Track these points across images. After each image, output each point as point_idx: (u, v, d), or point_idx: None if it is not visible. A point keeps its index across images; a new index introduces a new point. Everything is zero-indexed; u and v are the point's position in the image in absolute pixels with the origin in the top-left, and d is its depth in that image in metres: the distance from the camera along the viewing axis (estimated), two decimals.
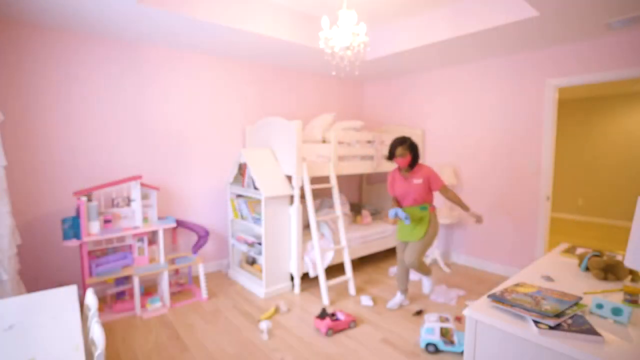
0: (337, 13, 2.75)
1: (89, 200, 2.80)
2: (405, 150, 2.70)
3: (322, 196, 4.42)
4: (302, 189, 3.39)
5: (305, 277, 3.52)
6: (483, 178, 3.97)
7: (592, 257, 1.73)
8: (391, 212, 2.71)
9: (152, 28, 2.91)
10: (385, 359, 2.29)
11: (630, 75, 2.95)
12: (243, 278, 3.55)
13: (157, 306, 2.93)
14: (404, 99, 4.75)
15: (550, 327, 1.13)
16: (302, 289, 3.38)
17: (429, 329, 2.37)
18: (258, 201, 3.34)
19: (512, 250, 3.76)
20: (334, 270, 3.74)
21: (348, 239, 3.63)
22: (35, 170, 2.88)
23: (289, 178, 3.37)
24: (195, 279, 3.61)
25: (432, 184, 2.75)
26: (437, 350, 2.33)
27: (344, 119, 4.93)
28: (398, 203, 2.88)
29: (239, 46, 3.43)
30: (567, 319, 1.18)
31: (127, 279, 3.08)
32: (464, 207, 2.78)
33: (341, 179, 4.89)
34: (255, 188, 3.24)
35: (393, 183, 2.88)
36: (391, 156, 2.74)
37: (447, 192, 2.78)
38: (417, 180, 2.72)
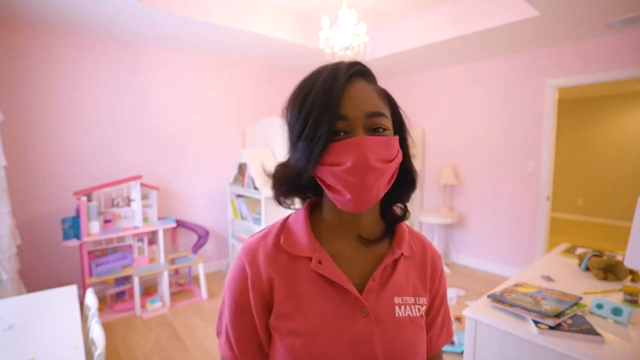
0: (337, 13, 2.75)
1: (89, 200, 2.80)
2: (386, 120, 0.54)
3: None
4: None
5: None
6: (483, 178, 3.96)
7: (592, 257, 1.73)
8: None
9: (153, 28, 2.90)
10: None
11: (630, 75, 2.95)
12: None
13: (157, 306, 2.93)
14: (404, 99, 4.74)
15: (550, 327, 1.13)
16: None
17: None
18: (258, 201, 3.34)
19: (512, 250, 3.76)
20: None
21: None
22: (35, 170, 2.87)
23: None
24: (195, 279, 3.61)
25: (443, 318, 0.66)
26: None
27: None
28: None
29: (240, 46, 3.43)
30: (567, 319, 1.18)
31: (127, 279, 3.08)
32: None
33: None
34: (255, 188, 3.24)
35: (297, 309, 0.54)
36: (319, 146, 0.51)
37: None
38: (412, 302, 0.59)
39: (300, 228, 0.57)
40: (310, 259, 0.55)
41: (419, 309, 0.59)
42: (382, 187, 0.52)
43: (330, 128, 0.50)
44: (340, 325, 0.52)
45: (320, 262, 0.54)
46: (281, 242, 0.56)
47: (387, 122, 0.54)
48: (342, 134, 0.51)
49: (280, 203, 0.61)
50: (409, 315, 0.57)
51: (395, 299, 0.56)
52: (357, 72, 0.54)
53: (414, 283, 0.60)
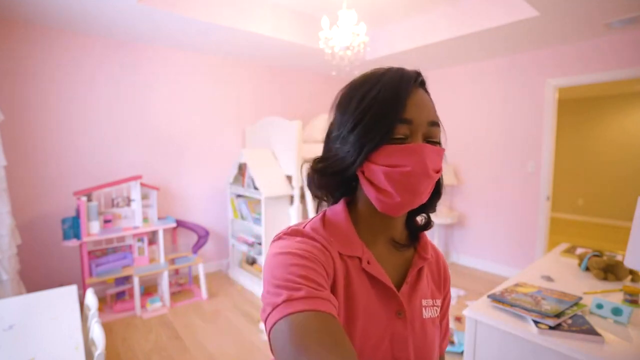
0: (337, 13, 2.75)
1: (89, 200, 2.80)
2: (437, 130, 0.55)
3: None
4: (302, 189, 3.39)
5: None
6: (483, 178, 3.96)
7: (592, 257, 1.73)
8: None
9: (153, 28, 2.90)
10: None
11: (630, 75, 2.95)
12: (243, 278, 3.55)
13: (157, 306, 2.93)
14: None
15: (550, 327, 1.13)
16: None
17: None
18: (258, 201, 3.34)
19: (512, 250, 3.75)
20: None
21: None
22: (35, 170, 2.87)
23: (289, 178, 3.37)
24: (195, 279, 3.61)
25: (446, 323, 0.69)
26: None
27: None
28: None
29: (240, 46, 3.43)
30: (567, 319, 1.18)
31: (127, 279, 3.08)
32: None
33: None
34: (255, 188, 3.24)
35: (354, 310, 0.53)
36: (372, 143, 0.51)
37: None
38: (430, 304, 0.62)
39: (345, 228, 0.56)
40: (359, 259, 0.55)
41: (436, 310, 0.62)
42: (426, 195, 0.53)
43: (391, 125, 0.50)
44: (384, 325, 0.54)
45: (368, 263, 0.55)
46: (331, 240, 0.54)
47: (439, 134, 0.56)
48: (402, 137, 0.51)
49: (318, 197, 0.61)
50: (430, 316, 0.60)
51: (422, 302, 0.59)
52: (421, 81, 0.57)
53: (431, 286, 0.63)
